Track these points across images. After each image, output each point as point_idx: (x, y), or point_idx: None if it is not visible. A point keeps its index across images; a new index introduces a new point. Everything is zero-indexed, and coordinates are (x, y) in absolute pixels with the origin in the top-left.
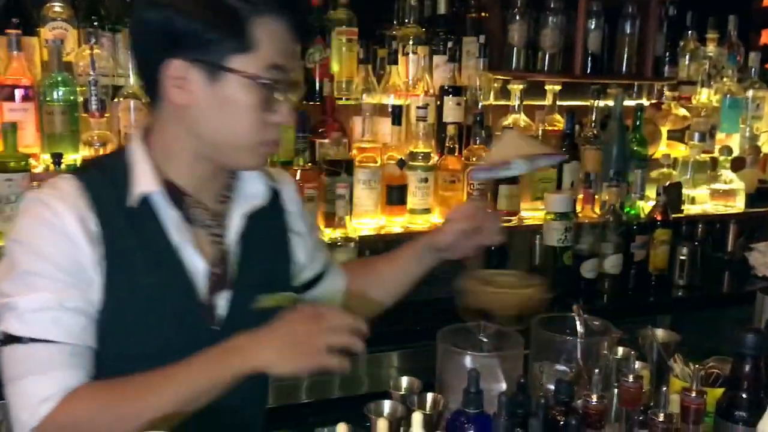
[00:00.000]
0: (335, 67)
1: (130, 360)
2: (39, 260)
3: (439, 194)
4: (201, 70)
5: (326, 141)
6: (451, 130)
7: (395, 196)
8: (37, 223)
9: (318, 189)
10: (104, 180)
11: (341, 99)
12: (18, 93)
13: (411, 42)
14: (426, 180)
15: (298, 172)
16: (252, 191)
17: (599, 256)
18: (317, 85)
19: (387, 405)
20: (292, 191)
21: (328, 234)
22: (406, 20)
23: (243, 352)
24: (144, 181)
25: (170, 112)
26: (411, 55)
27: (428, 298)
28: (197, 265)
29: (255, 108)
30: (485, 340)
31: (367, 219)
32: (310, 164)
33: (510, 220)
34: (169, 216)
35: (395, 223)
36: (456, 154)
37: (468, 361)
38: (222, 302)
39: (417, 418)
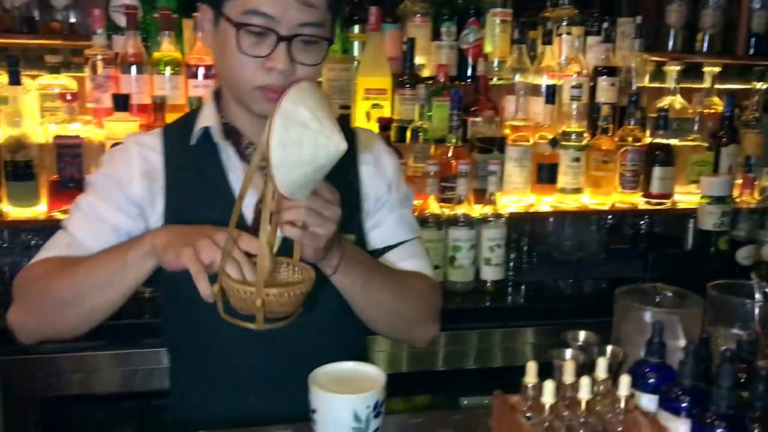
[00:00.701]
0: (488, 48)
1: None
2: (97, 176)
3: (591, 174)
4: (209, 14)
5: (479, 119)
6: (605, 110)
7: (546, 174)
8: (110, 154)
9: (471, 165)
10: (181, 126)
11: (494, 79)
12: (201, 71)
13: (565, 23)
14: (578, 159)
15: (451, 148)
16: None
17: (756, 243)
18: (471, 64)
19: (568, 353)
20: (374, 146)
21: (478, 210)
22: (560, 1)
23: (148, 234)
24: (204, 120)
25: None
26: (565, 35)
27: (566, 279)
28: (248, 199)
29: (237, 50)
30: (668, 294)
31: (516, 197)
32: (462, 141)
33: (663, 203)
34: (225, 151)
35: (544, 202)
36: (609, 134)
37: (648, 316)
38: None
39: (602, 363)
